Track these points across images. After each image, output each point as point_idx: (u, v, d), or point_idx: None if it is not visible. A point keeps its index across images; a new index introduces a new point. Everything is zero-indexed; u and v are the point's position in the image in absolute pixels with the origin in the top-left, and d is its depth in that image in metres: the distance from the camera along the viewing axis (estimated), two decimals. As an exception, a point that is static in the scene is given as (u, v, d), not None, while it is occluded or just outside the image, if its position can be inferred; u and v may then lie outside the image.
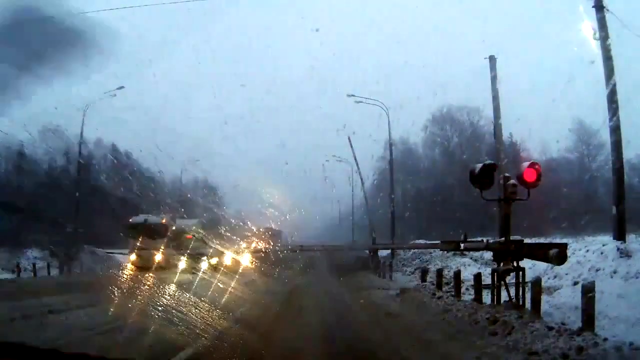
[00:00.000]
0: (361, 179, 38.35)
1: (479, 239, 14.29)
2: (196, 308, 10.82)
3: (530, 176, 11.65)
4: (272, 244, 27.98)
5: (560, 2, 36.52)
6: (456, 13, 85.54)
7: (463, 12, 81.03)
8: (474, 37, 66.84)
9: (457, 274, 14.94)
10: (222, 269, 23.91)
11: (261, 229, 31.69)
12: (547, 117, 57.29)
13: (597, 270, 16.05)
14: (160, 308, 10.63)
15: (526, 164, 11.95)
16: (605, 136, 32.04)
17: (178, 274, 21.29)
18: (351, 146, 25.06)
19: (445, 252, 22.24)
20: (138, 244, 27.25)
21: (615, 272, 15.33)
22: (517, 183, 11.83)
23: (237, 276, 20.53)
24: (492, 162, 12.61)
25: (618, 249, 16.60)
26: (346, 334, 10.40)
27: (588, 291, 8.95)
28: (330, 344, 9.33)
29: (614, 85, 19.36)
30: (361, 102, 38.36)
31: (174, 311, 10.10)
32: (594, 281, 9.61)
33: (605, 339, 7.72)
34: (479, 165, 12.02)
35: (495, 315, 10.19)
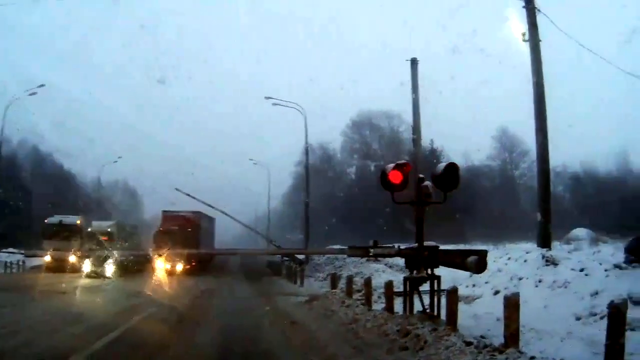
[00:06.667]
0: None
1: (391, 244, 13.60)
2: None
3: (448, 177, 10.94)
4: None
5: (489, 2, 36.35)
6: (379, 19, 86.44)
7: (386, 18, 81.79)
8: (397, 44, 66.96)
9: (368, 281, 14.14)
10: (132, 269, 26.17)
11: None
12: (471, 124, 57.91)
13: (519, 278, 15.26)
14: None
15: (443, 164, 11.39)
16: (530, 144, 32.09)
17: (82, 277, 23.28)
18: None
19: (360, 257, 21.43)
20: (53, 245, 27.61)
21: (540, 281, 14.46)
22: (433, 185, 11.14)
23: (146, 279, 21.70)
24: (405, 161, 11.68)
25: (543, 256, 15.76)
26: (245, 344, 9.68)
27: (511, 302, 7.83)
28: (226, 353, 8.86)
29: (542, 89, 18.69)
30: (278, 104, 37.77)
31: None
32: (518, 292, 8.53)
33: (533, 358, 7.02)
34: (391, 166, 11.13)
35: (407, 327, 9.46)
